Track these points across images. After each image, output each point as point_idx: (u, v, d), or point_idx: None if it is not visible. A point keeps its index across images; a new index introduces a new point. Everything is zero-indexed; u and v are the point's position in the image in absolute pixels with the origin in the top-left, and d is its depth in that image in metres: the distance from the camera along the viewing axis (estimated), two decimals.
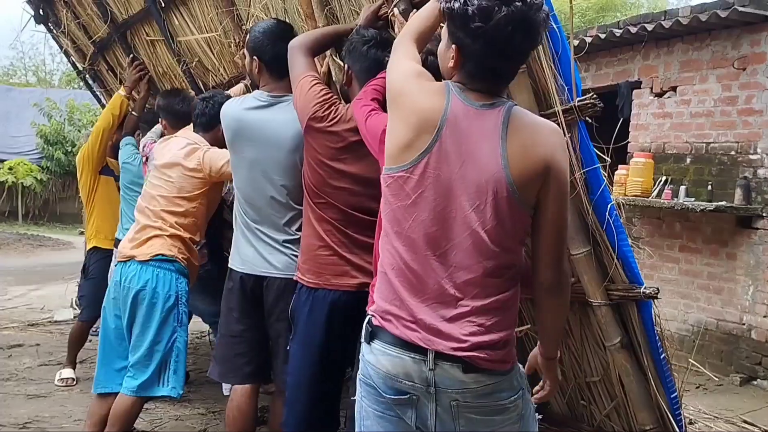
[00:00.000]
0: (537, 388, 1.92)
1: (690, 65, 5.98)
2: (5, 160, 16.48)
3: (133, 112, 4.37)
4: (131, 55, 4.44)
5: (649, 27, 5.87)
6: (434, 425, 1.72)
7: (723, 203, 5.43)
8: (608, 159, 2.18)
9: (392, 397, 1.74)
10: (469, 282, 1.67)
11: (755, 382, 5.39)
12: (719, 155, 5.76)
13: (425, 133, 1.67)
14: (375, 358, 1.76)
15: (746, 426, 4.39)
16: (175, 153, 3.19)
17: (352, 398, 1.94)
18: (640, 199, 5.89)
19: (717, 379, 5.42)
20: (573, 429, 2.73)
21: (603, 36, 6.33)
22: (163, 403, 4.16)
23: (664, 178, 6.07)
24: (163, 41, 4.19)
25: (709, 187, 5.70)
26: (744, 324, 5.53)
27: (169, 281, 3.09)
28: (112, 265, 3.80)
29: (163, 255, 3.09)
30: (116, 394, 3.09)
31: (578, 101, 2.02)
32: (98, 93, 5.55)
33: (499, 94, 1.73)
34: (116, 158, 4.50)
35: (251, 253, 2.77)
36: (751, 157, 5.51)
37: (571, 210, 2.06)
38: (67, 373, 4.60)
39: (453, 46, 1.70)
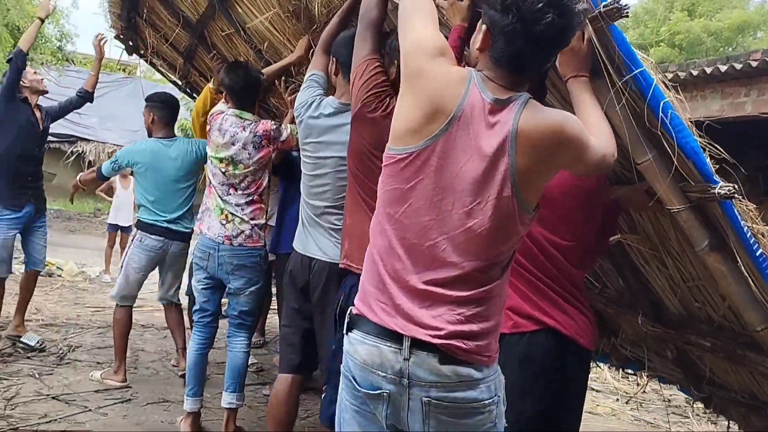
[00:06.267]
0: None
1: None
2: None
3: None
4: (212, 53, 4.69)
5: None
6: (407, 422, 1.66)
7: None
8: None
9: (366, 390, 1.69)
10: (454, 276, 1.62)
11: None
12: None
13: (437, 120, 1.62)
14: (353, 348, 1.72)
15: None
16: None
17: None
18: None
19: None
20: (690, 330, 2.67)
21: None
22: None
23: None
24: (235, 33, 4.34)
25: None
26: None
27: None
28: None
29: None
30: None
31: (603, 7, 1.90)
32: None
33: (517, 88, 1.64)
34: None
35: (306, 240, 2.89)
36: None
37: (626, 117, 1.94)
38: None
39: (483, 27, 1.66)
